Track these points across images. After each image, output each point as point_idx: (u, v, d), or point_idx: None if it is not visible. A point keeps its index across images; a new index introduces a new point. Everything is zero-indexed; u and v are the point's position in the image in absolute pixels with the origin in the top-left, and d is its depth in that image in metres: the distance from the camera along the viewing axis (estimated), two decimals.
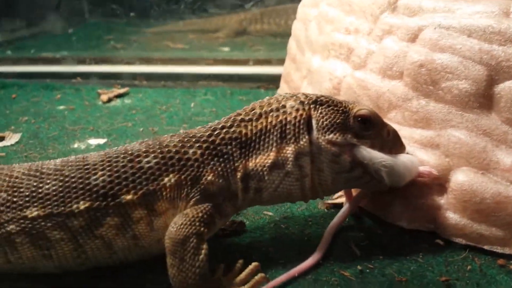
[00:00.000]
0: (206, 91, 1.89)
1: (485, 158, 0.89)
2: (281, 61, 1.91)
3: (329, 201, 1.05)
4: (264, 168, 0.83)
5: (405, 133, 0.99)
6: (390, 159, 0.86)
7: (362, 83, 1.09)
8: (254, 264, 0.81)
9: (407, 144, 0.97)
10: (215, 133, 0.85)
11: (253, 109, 0.87)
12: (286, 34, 1.70)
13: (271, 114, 0.85)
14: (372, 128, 0.87)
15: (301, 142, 0.83)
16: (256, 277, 0.79)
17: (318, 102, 0.86)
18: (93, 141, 1.45)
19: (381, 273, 0.82)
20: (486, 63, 0.90)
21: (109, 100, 1.84)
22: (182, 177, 0.81)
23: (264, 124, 0.85)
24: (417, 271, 0.83)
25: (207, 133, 0.85)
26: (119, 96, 1.88)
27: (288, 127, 0.84)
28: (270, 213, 1.02)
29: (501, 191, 0.86)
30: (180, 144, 0.83)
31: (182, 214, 0.78)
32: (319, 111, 0.85)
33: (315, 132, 0.84)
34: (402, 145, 0.92)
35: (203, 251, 0.75)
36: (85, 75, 2.12)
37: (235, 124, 0.85)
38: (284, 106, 0.86)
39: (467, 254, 0.87)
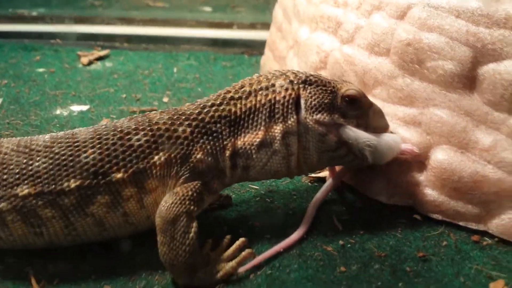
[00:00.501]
0: (189, 56, 1.87)
1: (465, 138, 0.92)
2: (265, 26, 1.89)
3: (313, 175, 1.07)
4: (253, 147, 0.84)
5: (388, 110, 1.01)
6: (374, 139, 0.88)
7: (349, 58, 1.09)
8: (241, 239, 0.84)
9: (390, 120, 0.99)
10: (205, 110, 0.85)
11: (243, 87, 0.87)
12: None
13: (260, 92, 0.86)
14: (359, 108, 0.89)
15: (289, 122, 0.84)
16: (243, 253, 0.82)
17: (307, 81, 0.87)
18: (76, 108, 1.44)
19: (361, 248, 0.86)
20: (472, 45, 0.91)
21: (90, 62, 1.81)
22: (172, 155, 0.81)
23: (253, 102, 0.85)
24: (396, 246, 0.87)
25: (197, 111, 0.85)
26: (100, 58, 1.85)
27: (277, 106, 0.85)
28: (256, 187, 1.04)
29: (478, 170, 0.89)
30: (169, 122, 0.84)
31: (172, 193, 0.79)
32: (308, 90, 0.86)
33: (303, 112, 0.85)
34: (386, 124, 0.94)
35: (193, 229, 0.77)
36: (64, 36, 2.06)
37: (225, 102, 0.86)
38: (273, 85, 0.86)
39: (443, 229, 0.91)
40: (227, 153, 0.84)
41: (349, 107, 0.88)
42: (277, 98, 0.85)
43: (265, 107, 0.85)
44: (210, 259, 0.81)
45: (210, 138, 0.84)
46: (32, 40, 2.08)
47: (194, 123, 0.84)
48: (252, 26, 2.08)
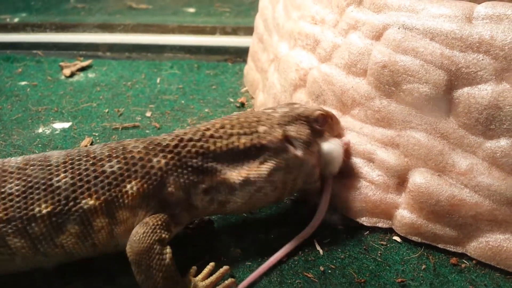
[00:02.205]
0: (172, 64, 1.86)
1: (441, 161, 0.93)
2: (248, 30, 1.89)
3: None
4: (235, 184, 0.85)
5: (367, 131, 1.02)
6: (338, 146, 0.97)
7: (328, 77, 1.10)
8: (224, 267, 0.86)
9: (368, 142, 1.00)
10: (181, 144, 0.86)
11: (223, 127, 0.88)
12: None
13: (244, 136, 0.88)
14: (326, 124, 0.98)
15: (277, 160, 0.87)
16: (226, 282, 0.84)
17: (288, 122, 0.93)
18: (58, 125, 1.43)
19: (341, 274, 0.88)
20: (447, 68, 0.92)
21: (72, 74, 1.79)
22: (145, 185, 0.81)
23: (235, 144, 0.87)
24: (376, 270, 0.88)
25: (173, 143, 0.86)
26: (82, 69, 1.84)
27: (261, 149, 0.87)
28: None
29: (455, 194, 0.91)
30: (144, 151, 0.84)
31: (142, 223, 0.80)
32: (292, 130, 0.91)
33: (292, 150, 0.89)
34: (341, 129, 1.03)
35: (167, 255, 0.79)
36: (46, 45, 2.05)
37: (203, 139, 0.86)
38: (256, 132, 0.89)
39: (422, 251, 0.92)
40: (202, 187, 0.85)
41: (320, 126, 0.97)
42: (263, 142, 0.88)
43: (250, 149, 0.87)
44: (191, 285, 0.82)
45: (185, 172, 0.84)
46: (13, 50, 2.06)
47: (169, 155, 0.84)
48: (235, 31, 2.07)
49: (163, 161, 0.83)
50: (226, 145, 0.86)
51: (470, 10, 0.93)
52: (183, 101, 1.57)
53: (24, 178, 0.79)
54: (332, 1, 1.15)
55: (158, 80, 1.74)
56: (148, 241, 0.78)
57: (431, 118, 0.95)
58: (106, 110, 1.52)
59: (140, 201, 0.81)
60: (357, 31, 1.06)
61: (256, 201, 0.88)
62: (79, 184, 0.79)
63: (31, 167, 0.80)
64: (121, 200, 0.80)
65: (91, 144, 1.32)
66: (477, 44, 0.89)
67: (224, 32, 2.07)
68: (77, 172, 0.80)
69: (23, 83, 1.74)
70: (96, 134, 1.37)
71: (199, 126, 0.89)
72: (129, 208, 0.80)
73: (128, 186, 0.80)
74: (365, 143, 1.01)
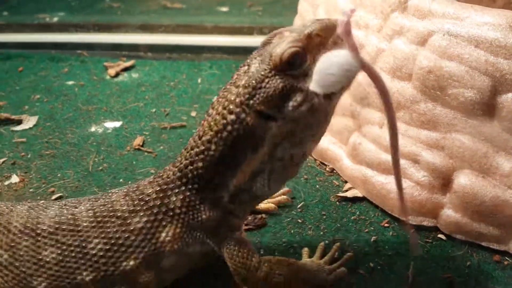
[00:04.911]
0: (211, 64, 1.92)
1: (485, 163, 0.97)
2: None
3: (340, 194, 1.14)
4: (246, 180, 0.80)
5: (412, 133, 1.07)
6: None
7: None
8: (336, 244, 0.96)
9: (413, 144, 1.05)
10: (187, 169, 0.81)
11: (202, 136, 0.79)
12: None
13: (223, 134, 0.76)
14: (310, 54, 0.75)
15: (266, 142, 0.77)
16: (345, 256, 0.94)
17: (251, 95, 0.74)
18: (109, 124, 1.51)
19: (390, 270, 0.93)
20: (491, 74, 0.96)
21: (117, 74, 1.87)
22: (178, 227, 0.80)
23: (221, 147, 0.78)
24: (423, 267, 0.93)
25: (179, 174, 0.82)
26: (126, 69, 1.92)
27: (245, 137, 0.76)
28: (286, 209, 1.11)
29: (499, 194, 0.95)
30: (161, 194, 0.81)
31: (228, 258, 0.81)
32: (258, 100, 0.74)
33: (277, 115, 0.75)
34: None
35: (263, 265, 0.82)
36: (89, 46, 2.13)
37: (190, 159, 0.81)
38: (226, 124, 0.76)
39: (466, 249, 0.97)
40: (226, 198, 0.81)
41: (297, 65, 0.74)
42: (238, 134, 0.76)
43: (236, 144, 0.77)
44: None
45: (204, 195, 0.81)
46: (58, 50, 2.15)
47: (182, 188, 0.81)
48: (272, 31, 2.12)
49: (180, 197, 0.81)
50: (214, 150, 0.78)
51: None
52: None
53: (58, 245, 0.77)
54: (376, 7, 1.20)
55: (199, 80, 1.80)
56: (246, 267, 0.81)
57: (475, 122, 0.99)
58: (153, 110, 1.59)
59: (181, 242, 0.80)
60: (402, 36, 1.11)
61: (281, 175, 0.83)
62: (114, 248, 0.78)
63: (63, 233, 0.78)
64: (162, 250, 0.79)
65: (143, 143, 1.39)
66: None
67: (261, 32, 2.12)
68: (109, 236, 0.78)
69: (70, 82, 1.83)
70: (147, 133, 1.44)
71: (187, 146, 0.83)
72: (174, 252, 0.80)
73: (163, 235, 0.80)
74: (410, 145, 1.06)
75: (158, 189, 0.82)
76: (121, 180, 1.23)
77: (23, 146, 1.40)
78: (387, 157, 1.09)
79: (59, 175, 1.26)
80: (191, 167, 0.80)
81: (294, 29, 0.78)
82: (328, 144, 1.28)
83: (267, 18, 2.44)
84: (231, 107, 0.75)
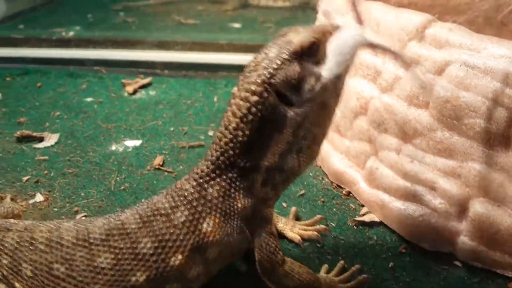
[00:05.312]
0: (227, 82, 1.96)
1: (501, 192, 1.00)
2: None
3: (358, 218, 1.16)
4: (276, 162, 0.85)
5: (428, 160, 1.10)
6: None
7: (389, 107, 1.18)
8: (356, 266, 1.00)
9: (430, 171, 1.08)
10: (219, 161, 0.85)
11: (227, 127, 0.84)
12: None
13: (249, 118, 0.81)
14: (323, 45, 0.84)
15: (288, 121, 0.82)
16: (360, 278, 0.97)
17: (271, 75, 0.80)
18: (129, 143, 1.54)
19: None
20: (507, 106, 0.99)
21: (135, 91, 1.91)
22: (217, 216, 0.85)
23: (248, 131, 0.82)
24: None
25: (212, 167, 0.86)
26: (143, 86, 1.96)
27: (267, 120, 0.82)
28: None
29: None
30: (198, 188, 0.86)
31: (257, 248, 0.87)
32: (279, 80, 0.81)
33: (294, 98, 0.82)
34: None
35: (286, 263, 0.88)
36: (107, 62, 2.18)
37: (223, 149, 0.85)
38: (249, 108, 0.81)
39: (482, 276, 1.00)
40: (259, 182, 0.86)
41: (314, 53, 0.83)
42: (262, 115, 0.81)
43: (262, 126, 0.82)
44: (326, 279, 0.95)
45: (238, 183, 0.85)
46: (76, 66, 2.20)
47: (217, 180, 0.86)
48: None
49: (216, 188, 0.85)
50: (243, 135, 0.83)
51: None
52: None
53: (112, 250, 0.80)
54: (393, 35, 1.23)
55: (215, 99, 1.84)
56: (271, 261, 0.87)
57: (492, 152, 1.01)
58: (172, 129, 1.62)
59: (221, 231, 0.85)
60: (419, 65, 1.14)
61: (310, 151, 0.89)
62: (162, 245, 0.81)
63: (114, 238, 0.82)
64: (205, 241, 0.83)
65: (163, 162, 1.42)
66: None
67: None
68: (156, 233, 0.82)
69: (89, 99, 1.87)
70: (166, 152, 1.48)
71: (215, 139, 0.88)
72: (215, 244, 0.84)
73: (205, 225, 0.84)
74: (427, 171, 1.09)
75: (194, 183, 0.86)
76: (143, 200, 1.24)
77: (45, 164, 1.44)
78: (405, 183, 1.12)
79: (82, 194, 1.29)
80: (223, 158, 0.85)
81: (307, 26, 0.88)
82: (345, 167, 1.31)
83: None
84: (252, 87, 0.81)
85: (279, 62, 0.81)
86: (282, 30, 0.88)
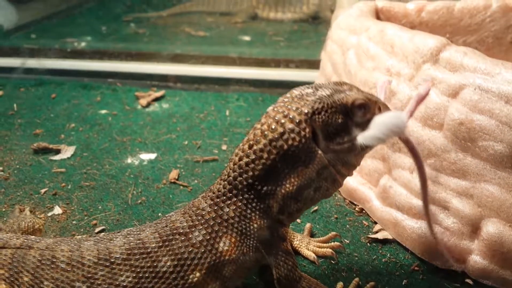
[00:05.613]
0: (238, 96, 2.00)
1: None
2: (311, 64, 2.02)
3: (371, 235, 1.19)
4: (292, 192, 0.86)
5: (442, 180, 1.12)
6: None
7: None
8: (371, 283, 1.03)
9: (444, 191, 1.11)
10: (236, 182, 0.87)
11: (251, 147, 0.86)
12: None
13: (273, 144, 0.83)
14: (368, 112, 0.87)
15: (316, 160, 0.84)
16: None
17: (315, 111, 0.83)
18: (145, 156, 1.57)
19: None
20: None
21: (148, 104, 1.94)
22: (233, 236, 0.87)
23: (270, 160, 0.84)
24: None
25: (228, 187, 0.88)
26: (156, 99, 1.99)
27: (296, 152, 0.83)
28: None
29: None
30: (215, 207, 0.88)
31: (274, 267, 0.89)
32: (320, 120, 0.83)
33: (323, 143, 0.85)
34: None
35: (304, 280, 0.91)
36: (120, 75, 2.21)
37: (243, 169, 0.86)
38: (283, 133, 0.82)
39: None
40: (275, 208, 0.88)
41: (359, 114, 0.86)
42: (293, 144, 0.83)
43: (285, 158, 0.83)
44: None
45: (254, 204, 0.87)
46: (90, 78, 2.23)
47: (234, 199, 0.87)
48: (299, 64, 2.20)
49: (232, 208, 0.87)
50: (263, 164, 0.84)
51: None
52: None
53: (133, 269, 0.83)
54: (407, 56, 1.26)
55: (227, 113, 1.87)
56: (290, 279, 0.89)
57: (504, 174, 1.04)
58: (186, 142, 1.65)
59: (238, 251, 0.87)
60: (434, 87, 1.17)
61: (323, 194, 0.90)
62: (181, 263, 0.84)
63: (135, 257, 0.84)
64: (222, 259, 0.86)
65: (178, 176, 1.45)
66: None
67: (287, 66, 2.20)
68: (175, 252, 0.84)
69: (103, 111, 1.90)
70: (181, 166, 1.51)
71: (232, 158, 0.90)
72: (232, 262, 0.86)
73: (221, 245, 0.86)
74: (441, 191, 1.12)
75: (211, 202, 0.89)
76: (159, 214, 1.29)
77: (62, 177, 1.46)
78: (418, 202, 1.15)
79: (100, 207, 1.32)
80: (241, 178, 0.87)
81: (355, 87, 0.91)
82: (358, 184, 1.33)
83: (289, 49, 2.53)
84: (293, 114, 0.83)
85: (328, 104, 0.84)
86: (340, 81, 0.92)
